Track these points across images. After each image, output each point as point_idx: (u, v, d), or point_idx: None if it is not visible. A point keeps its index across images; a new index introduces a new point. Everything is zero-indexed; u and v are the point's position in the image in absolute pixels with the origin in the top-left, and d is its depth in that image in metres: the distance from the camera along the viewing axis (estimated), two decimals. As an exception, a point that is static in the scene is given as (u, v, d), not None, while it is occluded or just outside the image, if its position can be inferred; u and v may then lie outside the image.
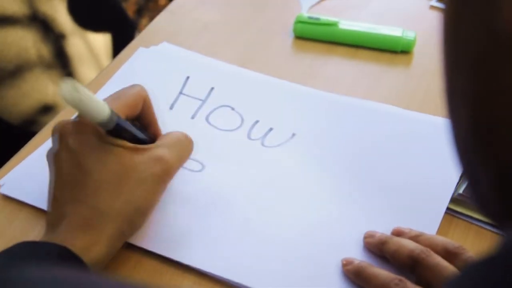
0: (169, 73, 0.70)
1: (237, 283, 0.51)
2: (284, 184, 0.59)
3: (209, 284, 0.52)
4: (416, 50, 0.74)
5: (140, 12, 1.68)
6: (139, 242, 0.53)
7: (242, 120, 0.65)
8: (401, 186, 0.58)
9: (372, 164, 0.60)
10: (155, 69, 0.71)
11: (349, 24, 0.76)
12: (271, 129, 0.64)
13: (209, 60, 0.72)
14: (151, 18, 0.84)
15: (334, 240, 0.54)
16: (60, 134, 0.51)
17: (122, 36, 1.06)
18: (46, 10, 0.97)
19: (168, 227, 0.55)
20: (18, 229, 0.56)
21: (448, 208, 0.56)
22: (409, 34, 0.74)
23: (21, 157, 0.61)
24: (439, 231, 0.54)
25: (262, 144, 0.63)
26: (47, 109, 0.96)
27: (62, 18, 0.99)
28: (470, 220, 0.56)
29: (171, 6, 0.82)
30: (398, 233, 0.53)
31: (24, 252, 0.45)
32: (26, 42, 0.95)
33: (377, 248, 0.52)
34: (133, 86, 0.54)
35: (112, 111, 0.48)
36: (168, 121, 0.58)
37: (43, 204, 0.56)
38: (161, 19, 0.80)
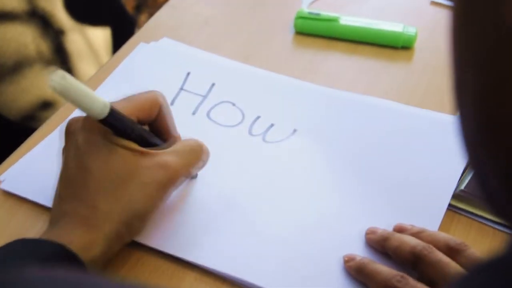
0: (169, 69, 0.70)
1: (239, 279, 0.51)
2: (285, 180, 0.58)
3: (210, 281, 0.51)
4: (417, 45, 0.74)
5: (139, 8, 1.67)
6: (141, 239, 0.53)
7: (243, 116, 0.65)
8: (402, 182, 0.58)
9: (373, 160, 0.60)
10: (156, 64, 0.71)
11: (349, 19, 0.75)
12: (272, 124, 0.64)
13: (210, 55, 0.72)
14: (150, 14, 0.84)
15: (336, 236, 0.54)
16: (68, 131, 0.51)
17: (122, 31, 1.06)
18: (45, 6, 0.97)
19: (170, 224, 0.54)
20: (18, 225, 0.56)
21: (450, 205, 0.56)
22: (410, 30, 0.74)
23: (21, 153, 0.61)
24: (441, 228, 0.54)
25: (263, 140, 0.62)
26: (47, 105, 0.96)
27: (61, 14, 0.99)
28: (472, 217, 0.56)
29: (172, 1, 0.82)
30: (400, 229, 0.53)
31: (20, 249, 0.45)
32: (25, 38, 0.94)
33: (379, 245, 0.52)
34: (149, 90, 0.53)
35: (108, 104, 0.47)
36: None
37: (43, 200, 0.56)
38: (162, 14, 0.80)
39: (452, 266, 0.48)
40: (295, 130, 0.63)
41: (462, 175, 0.57)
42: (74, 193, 0.49)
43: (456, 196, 0.56)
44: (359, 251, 0.52)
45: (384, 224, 0.54)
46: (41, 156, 0.60)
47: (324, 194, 0.57)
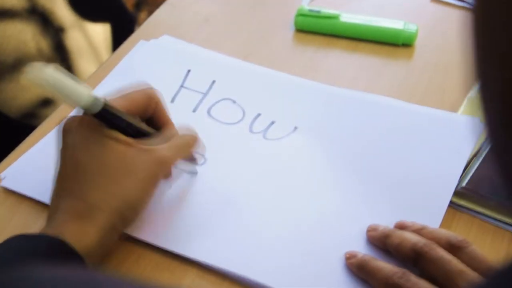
0: (170, 66, 0.70)
1: (240, 276, 0.51)
2: (286, 177, 0.58)
3: (211, 277, 0.51)
4: (417, 43, 0.74)
5: (138, 6, 1.67)
6: (141, 236, 0.53)
7: (244, 113, 0.65)
8: (404, 179, 0.58)
9: (374, 157, 0.60)
10: (156, 62, 0.71)
11: (350, 17, 0.75)
12: (273, 122, 0.64)
13: (210, 53, 0.72)
14: (150, 12, 0.84)
15: (337, 233, 0.54)
16: (64, 129, 0.51)
17: (122, 29, 1.06)
18: (45, 3, 0.97)
19: (170, 220, 0.54)
20: (19, 222, 0.56)
21: (451, 202, 0.56)
22: (411, 27, 0.74)
23: (22, 151, 0.61)
24: (443, 225, 0.54)
25: (264, 137, 0.62)
26: (47, 103, 0.95)
27: (61, 11, 0.99)
28: (474, 214, 0.56)
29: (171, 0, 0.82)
30: (401, 226, 0.53)
31: (18, 245, 0.45)
32: (25, 35, 0.94)
33: (380, 242, 0.52)
34: (143, 85, 0.54)
35: (96, 97, 0.48)
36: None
37: (44, 197, 0.56)
38: (162, 12, 0.80)
39: (453, 263, 0.48)
40: (295, 128, 0.63)
41: (463, 172, 0.57)
42: (68, 189, 0.49)
43: (457, 193, 0.56)
44: (360, 248, 0.52)
45: (386, 221, 0.54)
46: (42, 154, 0.60)
47: (325, 191, 0.57)
